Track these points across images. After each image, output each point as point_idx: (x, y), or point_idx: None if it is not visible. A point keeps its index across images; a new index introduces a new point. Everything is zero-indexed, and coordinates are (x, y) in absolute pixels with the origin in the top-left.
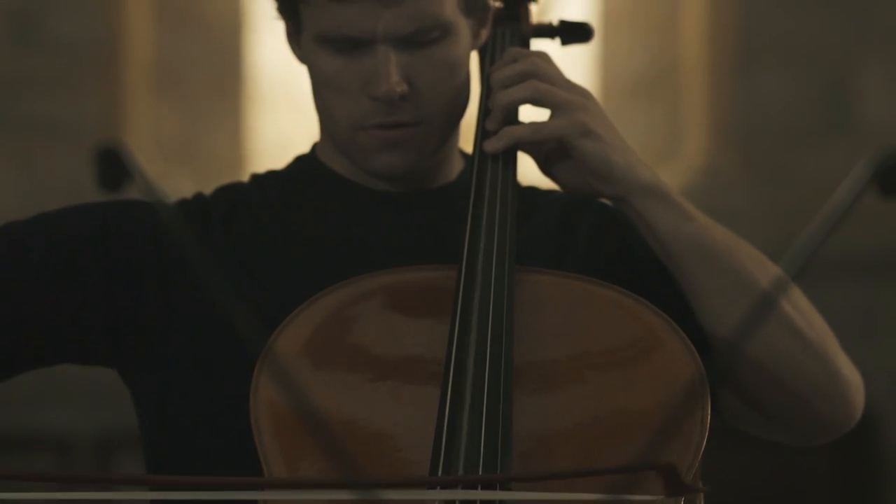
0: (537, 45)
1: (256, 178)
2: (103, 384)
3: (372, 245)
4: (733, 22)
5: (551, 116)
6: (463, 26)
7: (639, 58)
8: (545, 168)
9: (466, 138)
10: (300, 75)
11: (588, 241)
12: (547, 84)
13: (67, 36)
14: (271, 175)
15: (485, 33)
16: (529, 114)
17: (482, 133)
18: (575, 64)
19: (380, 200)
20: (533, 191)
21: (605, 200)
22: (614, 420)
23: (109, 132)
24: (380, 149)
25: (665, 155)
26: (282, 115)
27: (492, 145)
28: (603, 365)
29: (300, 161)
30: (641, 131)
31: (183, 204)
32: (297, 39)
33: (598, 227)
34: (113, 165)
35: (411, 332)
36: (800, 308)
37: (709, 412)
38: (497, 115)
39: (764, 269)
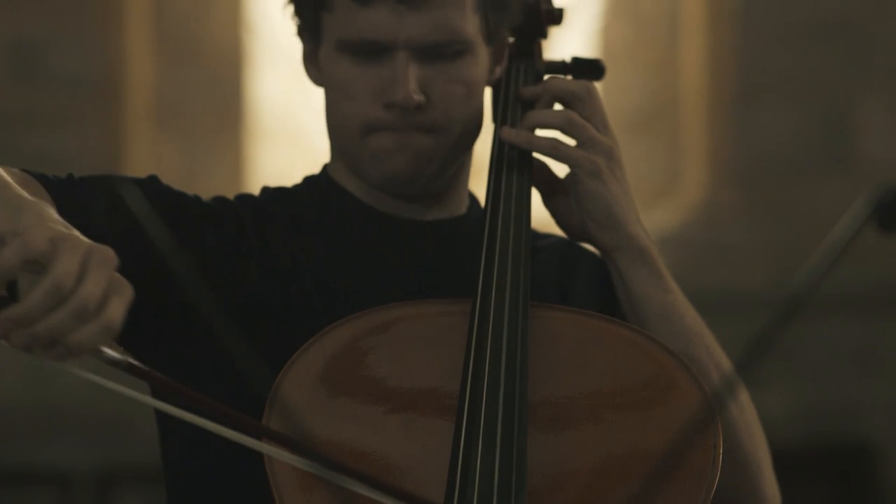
0: None
1: (269, 193)
2: (103, 419)
3: (382, 270)
4: (733, 58)
5: (575, 147)
6: (482, 51)
7: (638, 93)
8: (548, 201)
9: (478, 175)
10: (300, 110)
11: (585, 291)
12: (582, 119)
13: (68, 71)
14: (285, 191)
15: (499, 70)
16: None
17: (517, 163)
18: None
19: (393, 226)
20: (532, 232)
21: (591, 249)
22: (626, 459)
23: (110, 167)
24: (390, 151)
25: (664, 190)
26: (282, 149)
27: (509, 135)
28: (616, 403)
29: (312, 180)
30: (641, 166)
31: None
32: (315, 57)
33: (592, 279)
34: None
35: (425, 365)
36: (744, 415)
37: (721, 451)
38: (521, 132)
39: (717, 365)
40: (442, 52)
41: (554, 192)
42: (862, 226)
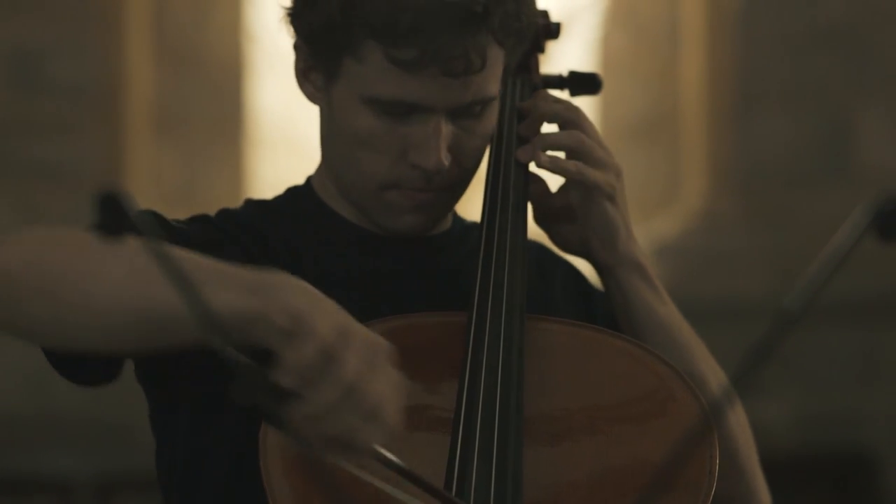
0: None
1: (253, 206)
2: (103, 427)
3: (369, 287)
4: (733, 66)
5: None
6: (497, 96)
7: (639, 102)
8: (545, 219)
9: (473, 185)
10: (299, 119)
11: (563, 298)
12: (590, 139)
13: (68, 80)
14: (267, 205)
15: None
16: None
17: (514, 176)
18: None
19: (380, 244)
20: None
21: (562, 255)
22: (624, 470)
23: (110, 176)
24: (408, 209)
25: (665, 198)
26: (281, 157)
27: (532, 157)
28: (613, 415)
29: (296, 194)
30: (641, 175)
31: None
32: (324, 85)
33: (569, 286)
34: (113, 210)
35: (420, 378)
36: (739, 421)
37: (717, 461)
38: (532, 151)
39: (714, 374)
40: (471, 112)
41: (550, 211)
42: (862, 234)
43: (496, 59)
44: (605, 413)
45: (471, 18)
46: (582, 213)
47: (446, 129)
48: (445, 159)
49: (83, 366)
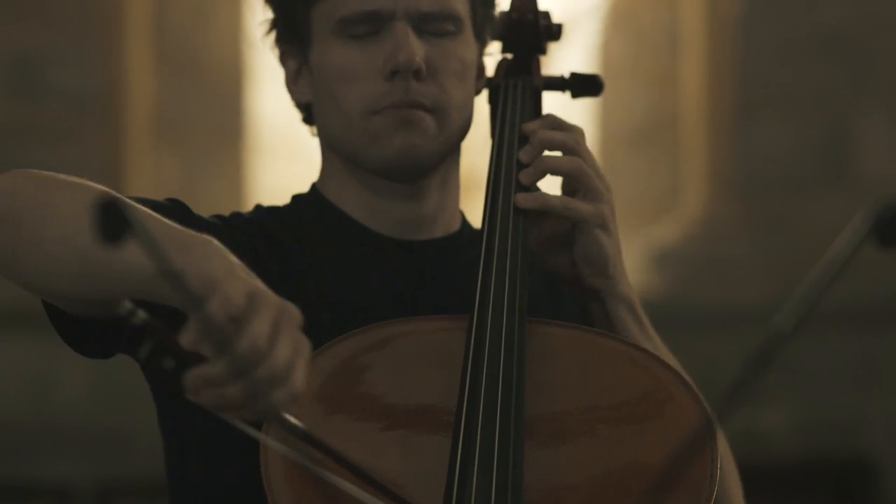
0: (548, 97)
1: (264, 211)
2: (103, 433)
3: (374, 289)
4: (732, 73)
5: (579, 197)
6: (471, 39)
7: (639, 109)
8: (538, 247)
9: (474, 191)
10: (300, 125)
11: (570, 302)
12: (588, 167)
13: (68, 86)
14: (278, 211)
15: (483, 79)
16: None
17: (515, 183)
18: (575, 114)
19: (388, 246)
20: None
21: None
22: (624, 473)
23: (110, 182)
24: (395, 129)
25: (665, 205)
26: (282, 164)
27: (525, 202)
28: (613, 418)
29: (303, 199)
30: (641, 182)
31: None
32: (307, 66)
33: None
34: (113, 217)
35: (423, 382)
36: (723, 454)
37: (718, 465)
38: (535, 175)
39: None
40: (437, 27)
41: (542, 234)
42: (861, 241)
43: None
44: (605, 415)
45: None
46: (578, 241)
47: (414, 38)
48: (416, 56)
49: (84, 338)
